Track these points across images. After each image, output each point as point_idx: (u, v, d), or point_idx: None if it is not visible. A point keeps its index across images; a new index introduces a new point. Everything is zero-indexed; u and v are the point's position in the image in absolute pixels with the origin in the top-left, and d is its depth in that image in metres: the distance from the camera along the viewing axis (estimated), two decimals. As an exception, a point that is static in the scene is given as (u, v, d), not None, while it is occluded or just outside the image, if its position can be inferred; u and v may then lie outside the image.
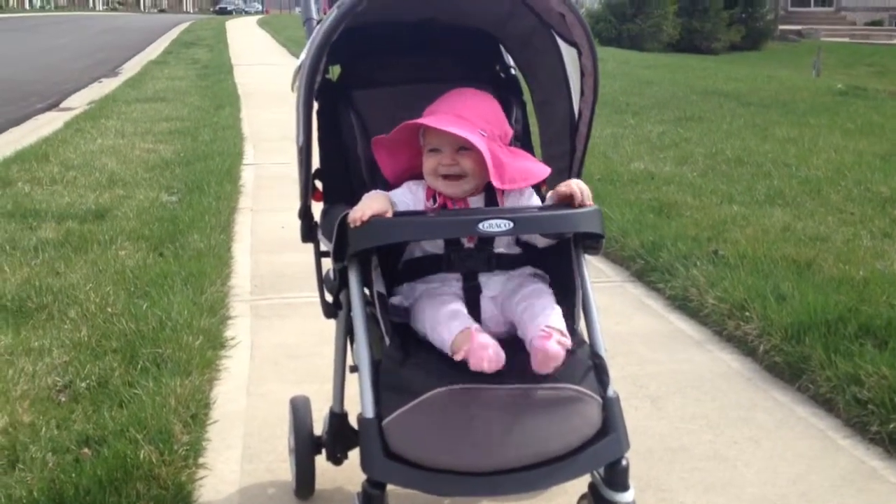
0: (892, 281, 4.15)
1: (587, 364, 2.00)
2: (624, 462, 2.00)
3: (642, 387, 3.43)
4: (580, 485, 2.10)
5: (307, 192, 2.25)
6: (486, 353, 1.86)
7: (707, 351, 3.83)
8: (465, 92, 2.21)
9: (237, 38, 27.49)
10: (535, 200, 2.23)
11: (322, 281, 2.33)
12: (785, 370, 3.52)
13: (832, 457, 2.94)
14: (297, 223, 2.32)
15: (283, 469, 2.79)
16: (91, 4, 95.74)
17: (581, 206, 2.05)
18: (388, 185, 2.23)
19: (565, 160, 2.32)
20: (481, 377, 1.87)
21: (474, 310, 2.11)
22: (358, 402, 1.96)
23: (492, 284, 2.15)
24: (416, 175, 2.23)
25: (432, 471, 1.86)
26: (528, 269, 2.20)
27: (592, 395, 1.96)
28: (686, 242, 4.81)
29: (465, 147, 2.11)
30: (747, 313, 3.86)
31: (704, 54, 28.04)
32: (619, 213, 5.37)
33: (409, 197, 2.18)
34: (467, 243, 2.14)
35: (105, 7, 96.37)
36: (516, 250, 2.21)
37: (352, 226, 1.95)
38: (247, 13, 76.29)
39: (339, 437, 2.53)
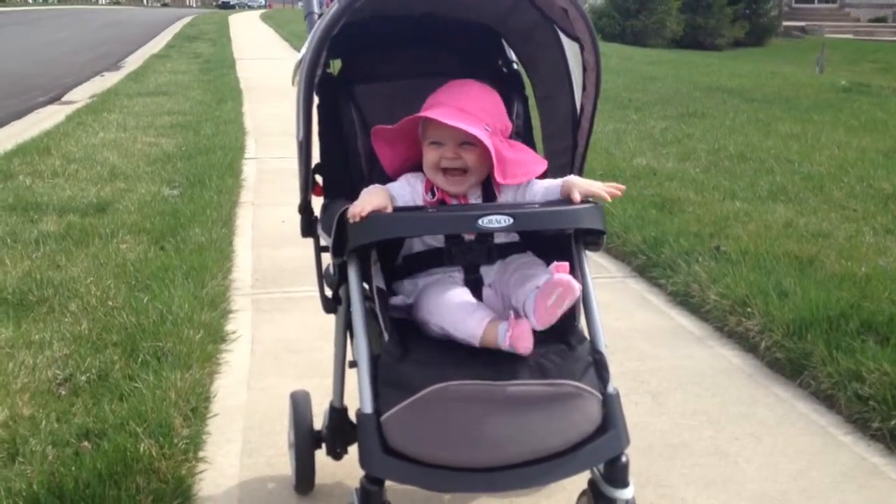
0: (894, 277, 4.14)
1: (587, 360, 1.99)
2: (624, 458, 1.99)
3: (643, 383, 3.42)
4: (580, 481, 2.09)
5: (307, 187, 2.24)
6: (530, 337, 1.87)
7: (708, 347, 3.82)
8: (467, 84, 2.20)
9: (240, 33, 27.46)
10: (534, 191, 2.16)
11: (322, 276, 2.32)
12: (786, 366, 3.51)
13: (833, 453, 2.94)
14: (298, 218, 2.32)
15: (283, 463, 2.79)
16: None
17: (584, 201, 2.04)
18: (387, 179, 2.22)
19: (567, 155, 2.31)
20: (481, 374, 1.87)
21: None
22: (357, 397, 1.96)
23: (491, 273, 2.15)
24: (415, 167, 2.22)
25: (431, 467, 1.85)
26: (528, 256, 2.19)
27: (592, 392, 1.95)
28: (688, 238, 4.81)
29: (468, 141, 2.10)
30: (749, 309, 3.86)
31: (708, 50, 27.98)
32: (620, 209, 5.36)
33: (408, 189, 2.17)
34: (467, 236, 2.14)
35: (108, 1, 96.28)
36: (515, 238, 2.20)
37: (351, 221, 1.95)
38: (250, 7, 76.14)
39: (339, 431, 2.53)
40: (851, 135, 8.53)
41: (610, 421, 1.96)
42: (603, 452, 1.96)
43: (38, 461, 2.68)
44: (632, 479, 2.01)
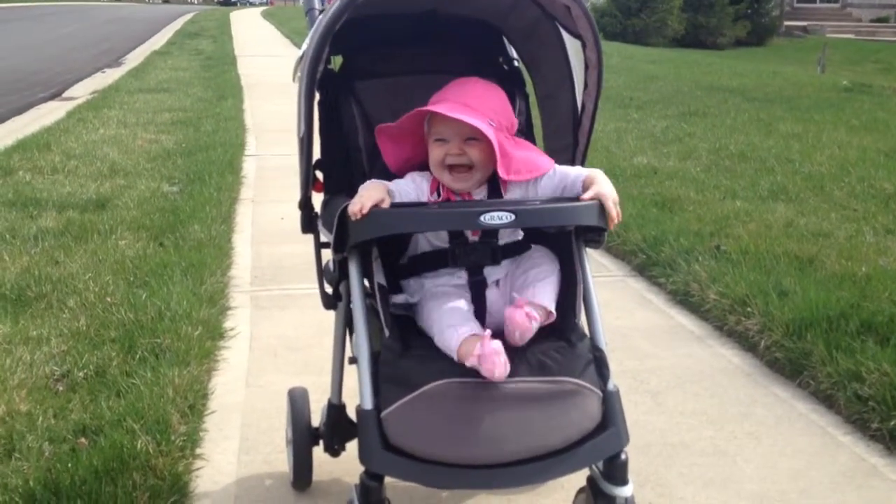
0: (894, 277, 4.13)
1: (587, 358, 1.99)
2: (623, 456, 1.98)
3: (642, 382, 3.42)
4: (578, 479, 2.09)
5: (308, 183, 2.24)
6: (499, 360, 1.84)
7: (708, 346, 3.81)
8: (472, 81, 2.19)
9: (241, 30, 27.46)
10: (542, 189, 2.15)
11: (322, 272, 2.32)
12: (786, 366, 3.51)
13: (832, 453, 2.93)
14: (298, 214, 2.31)
15: (281, 460, 2.78)
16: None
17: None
18: (388, 175, 2.21)
19: (568, 154, 2.31)
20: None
21: (480, 303, 2.10)
22: (356, 394, 1.95)
23: (497, 271, 2.14)
24: (419, 164, 2.21)
25: (430, 463, 1.85)
26: (536, 252, 2.18)
27: (592, 389, 1.95)
28: (688, 237, 4.80)
29: (472, 137, 2.09)
30: (749, 309, 3.85)
31: (709, 49, 27.94)
32: (621, 208, 5.33)
33: (413, 188, 2.16)
34: (471, 237, 2.13)
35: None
36: (519, 238, 2.19)
37: (352, 218, 1.94)
38: (251, 4, 76.11)
39: (337, 428, 2.53)
40: (852, 135, 8.52)
41: (610, 418, 1.96)
42: (603, 449, 1.95)
43: (34, 457, 2.67)
44: (631, 477, 2.01)
